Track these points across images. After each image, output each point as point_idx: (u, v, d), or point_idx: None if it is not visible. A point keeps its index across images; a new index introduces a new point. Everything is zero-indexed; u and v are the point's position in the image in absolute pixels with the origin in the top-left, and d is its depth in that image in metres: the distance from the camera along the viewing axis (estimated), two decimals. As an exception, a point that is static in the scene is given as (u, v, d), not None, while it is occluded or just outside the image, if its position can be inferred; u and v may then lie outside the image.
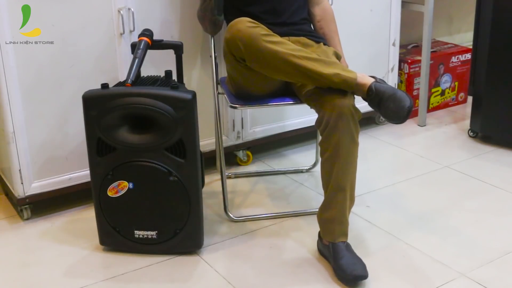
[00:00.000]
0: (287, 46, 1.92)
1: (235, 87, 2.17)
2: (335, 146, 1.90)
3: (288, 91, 2.18)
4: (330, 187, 1.95)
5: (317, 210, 2.04)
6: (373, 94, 1.88)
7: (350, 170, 1.95)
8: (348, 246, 1.99)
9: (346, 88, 1.89)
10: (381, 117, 3.14)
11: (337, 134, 1.88)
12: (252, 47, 1.91)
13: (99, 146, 1.98)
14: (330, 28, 2.33)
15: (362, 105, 2.02)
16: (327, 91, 1.92)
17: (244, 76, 2.08)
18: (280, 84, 2.15)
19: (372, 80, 1.91)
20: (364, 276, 1.90)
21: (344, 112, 1.86)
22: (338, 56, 2.20)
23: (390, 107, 1.85)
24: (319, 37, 2.27)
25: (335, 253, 1.96)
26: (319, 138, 2.68)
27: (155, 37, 2.16)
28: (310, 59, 1.90)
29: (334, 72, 1.88)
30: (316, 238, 2.09)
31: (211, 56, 2.36)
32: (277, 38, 1.94)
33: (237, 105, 2.17)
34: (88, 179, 2.08)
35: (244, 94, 2.17)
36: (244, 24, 1.92)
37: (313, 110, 2.03)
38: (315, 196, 2.48)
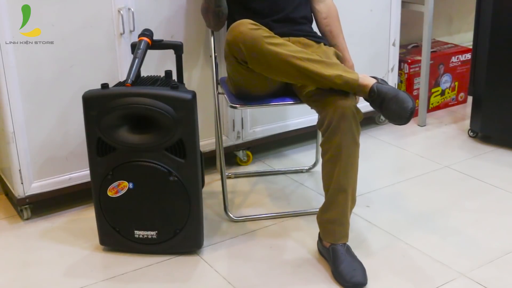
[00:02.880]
0: (289, 48, 1.92)
1: (236, 88, 2.17)
2: (337, 147, 1.90)
3: (288, 91, 2.18)
4: (332, 188, 1.95)
5: (317, 210, 2.04)
6: (375, 95, 1.88)
7: (352, 171, 1.95)
8: (348, 249, 1.99)
9: (348, 89, 1.89)
10: (382, 117, 3.15)
11: (338, 135, 1.88)
12: (254, 49, 1.91)
13: (99, 146, 1.98)
14: (336, 25, 2.32)
15: (362, 105, 2.02)
16: (329, 92, 1.92)
17: (245, 77, 2.07)
18: (281, 85, 2.15)
19: (374, 81, 1.91)
20: (363, 283, 1.90)
21: (346, 113, 1.86)
22: (339, 56, 2.20)
23: (392, 108, 1.85)
24: (319, 37, 2.27)
25: (335, 257, 1.96)
26: (320, 138, 2.68)
27: (155, 37, 2.16)
28: (312, 61, 1.90)
29: (336, 73, 1.88)
30: (317, 238, 2.09)
31: (211, 56, 2.36)
32: (278, 40, 1.93)
33: (237, 105, 2.17)
34: (88, 179, 2.08)
35: (245, 95, 2.17)
36: (246, 26, 1.92)
37: (313, 110, 2.03)
38: (315, 196, 2.48)
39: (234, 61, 2.01)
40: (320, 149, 2.65)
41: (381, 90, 1.87)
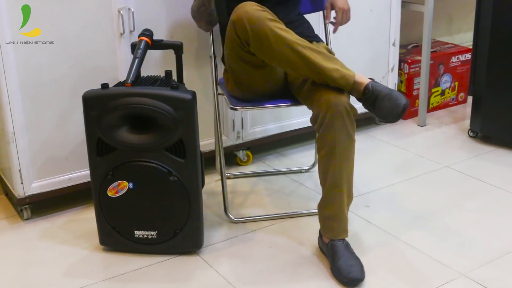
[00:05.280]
0: (292, 35, 1.93)
1: (233, 82, 2.15)
2: (331, 143, 1.90)
3: (287, 93, 2.18)
4: (327, 184, 1.95)
5: (317, 210, 2.04)
6: (369, 93, 1.88)
7: (347, 168, 1.95)
8: (347, 245, 1.99)
9: (344, 84, 1.90)
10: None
11: (332, 131, 1.88)
12: (259, 29, 1.91)
13: (99, 146, 1.98)
14: None
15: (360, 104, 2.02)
16: (323, 89, 1.92)
17: (243, 65, 2.06)
18: (279, 83, 2.15)
19: (369, 80, 1.92)
20: (360, 279, 1.91)
21: (339, 110, 1.87)
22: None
23: (385, 105, 1.85)
24: (311, 36, 2.26)
25: (333, 253, 1.96)
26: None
27: (155, 37, 2.16)
28: (314, 51, 1.91)
29: (334, 67, 1.89)
30: (317, 237, 2.10)
31: (210, 57, 2.36)
32: (282, 26, 1.94)
33: (238, 107, 2.17)
34: (88, 179, 2.08)
35: (243, 91, 2.15)
36: (252, 6, 1.93)
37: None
38: (315, 196, 2.48)
39: (236, 43, 1.99)
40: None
41: (375, 88, 1.88)
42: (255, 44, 1.95)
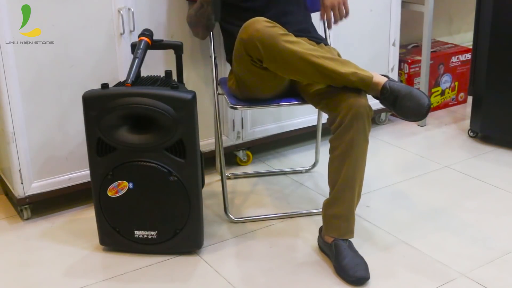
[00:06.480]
0: (304, 46, 1.92)
1: (243, 90, 2.14)
2: (348, 144, 1.90)
3: (290, 91, 2.17)
4: (339, 183, 1.95)
5: (317, 210, 2.04)
6: (388, 92, 1.88)
7: (361, 168, 1.96)
8: (350, 245, 1.99)
9: (362, 86, 1.90)
10: (382, 118, 3.16)
11: (351, 132, 1.89)
12: (272, 47, 1.89)
13: (99, 146, 1.98)
14: None
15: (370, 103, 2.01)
16: (342, 91, 1.92)
17: (256, 78, 2.06)
18: (286, 85, 2.15)
19: (385, 79, 1.92)
20: (366, 277, 1.91)
21: (360, 112, 1.87)
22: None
23: (407, 106, 1.86)
24: (319, 38, 2.27)
25: (338, 252, 1.96)
26: (319, 138, 2.68)
27: (155, 37, 2.16)
28: (327, 58, 1.90)
29: (351, 71, 1.89)
30: (317, 237, 2.09)
31: (210, 57, 2.36)
32: (294, 38, 1.93)
33: (238, 106, 2.17)
34: (88, 179, 2.08)
35: (252, 98, 2.15)
36: (262, 24, 1.91)
37: (313, 110, 2.03)
38: (315, 196, 2.48)
39: (248, 61, 1.99)
40: (320, 150, 2.67)
41: (393, 87, 1.88)
42: (268, 61, 1.93)
